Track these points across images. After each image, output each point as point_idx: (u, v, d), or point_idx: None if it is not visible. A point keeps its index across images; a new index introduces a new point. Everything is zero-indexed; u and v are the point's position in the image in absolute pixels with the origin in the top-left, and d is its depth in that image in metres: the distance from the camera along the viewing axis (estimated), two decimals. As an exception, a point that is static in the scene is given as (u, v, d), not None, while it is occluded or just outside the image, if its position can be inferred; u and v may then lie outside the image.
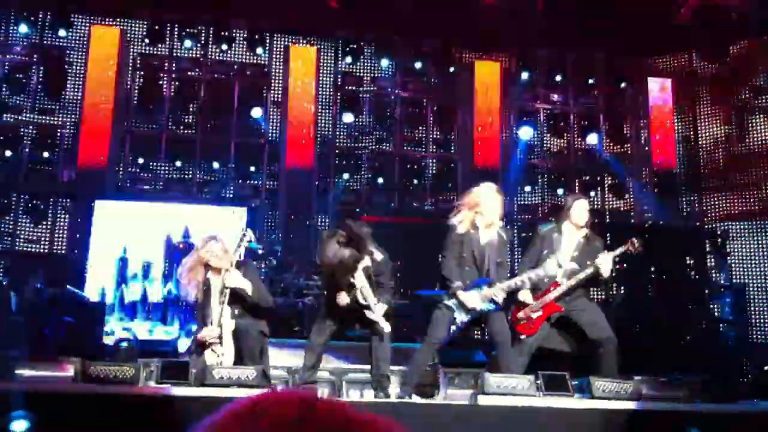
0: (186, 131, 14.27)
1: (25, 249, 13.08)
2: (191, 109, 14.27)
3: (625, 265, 11.95)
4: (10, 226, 13.15)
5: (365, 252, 6.55)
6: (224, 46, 14.23)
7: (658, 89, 14.98)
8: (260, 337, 6.78)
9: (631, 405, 6.31)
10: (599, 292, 12.04)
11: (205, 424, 0.83)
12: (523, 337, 6.98)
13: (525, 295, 6.91)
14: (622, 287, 12.63)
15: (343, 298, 6.60)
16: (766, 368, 11.51)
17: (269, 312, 6.98)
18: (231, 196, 14.06)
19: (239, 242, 6.77)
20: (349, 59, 14.70)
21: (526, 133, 14.67)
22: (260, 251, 11.37)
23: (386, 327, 6.55)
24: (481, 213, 6.74)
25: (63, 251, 13.02)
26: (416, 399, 6.81)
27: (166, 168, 14.02)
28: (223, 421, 0.83)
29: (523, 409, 6.06)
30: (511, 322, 6.97)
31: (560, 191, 14.86)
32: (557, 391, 6.41)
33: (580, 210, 7.08)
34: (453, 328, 6.71)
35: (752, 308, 13.54)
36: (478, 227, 6.77)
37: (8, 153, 13.11)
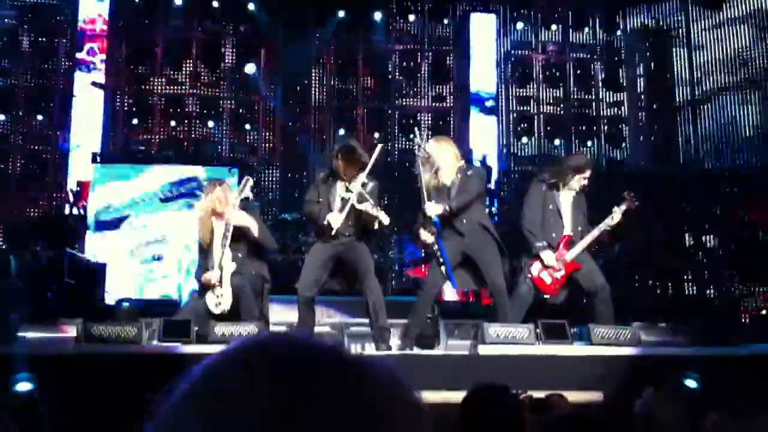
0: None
1: (24, 212, 13.08)
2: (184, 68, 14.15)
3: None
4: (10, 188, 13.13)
5: (360, 165, 6.65)
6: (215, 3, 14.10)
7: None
8: (260, 281, 6.90)
9: (629, 351, 6.36)
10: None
11: (194, 371, 0.82)
12: (546, 296, 7.07)
13: (547, 257, 6.97)
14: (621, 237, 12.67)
15: (336, 217, 6.58)
16: (763, 312, 11.60)
17: (270, 258, 7.12)
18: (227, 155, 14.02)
19: (241, 188, 6.87)
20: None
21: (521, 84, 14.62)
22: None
23: (385, 219, 6.56)
24: (438, 167, 6.83)
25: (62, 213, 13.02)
26: (417, 350, 6.86)
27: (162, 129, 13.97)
28: (213, 366, 0.82)
29: (522, 357, 6.11)
30: (533, 283, 7.03)
31: (557, 142, 14.85)
32: (556, 339, 6.47)
33: (586, 177, 7.11)
34: (443, 269, 6.72)
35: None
36: (440, 177, 6.85)
37: (2, 117, 13.05)
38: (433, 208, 6.64)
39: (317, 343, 0.84)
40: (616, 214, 7.00)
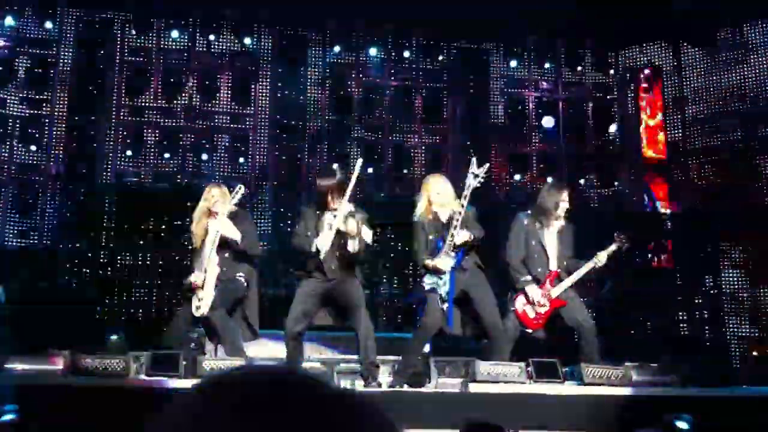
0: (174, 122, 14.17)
1: (13, 242, 13.00)
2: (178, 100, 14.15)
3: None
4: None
5: (346, 191, 6.65)
6: (211, 36, 14.15)
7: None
8: (242, 287, 6.94)
9: (621, 391, 6.33)
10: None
11: (174, 404, 0.81)
12: (529, 330, 7.04)
13: (532, 291, 6.96)
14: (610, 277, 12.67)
15: (324, 239, 6.57)
16: (755, 353, 11.59)
17: (255, 262, 7.21)
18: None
19: (233, 194, 7.01)
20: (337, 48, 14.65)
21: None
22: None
23: (369, 236, 6.60)
24: (433, 200, 6.89)
25: (51, 244, 12.94)
26: (407, 388, 6.82)
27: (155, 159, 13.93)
28: (191, 398, 0.81)
29: (514, 395, 6.08)
30: (516, 317, 7.01)
31: (549, 179, 14.89)
32: (548, 377, 6.44)
33: (559, 201, 7.11)
34: (445, 307, 6.71)
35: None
36: (437, 211, 6.90)
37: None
38: (463, 235, 6.65)
39: (297, 377, 0.83)
40: (602, 256, 6.99)
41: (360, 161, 7.23)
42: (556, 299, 6.97)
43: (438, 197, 6.92)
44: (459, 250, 6.72)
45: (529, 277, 7.00)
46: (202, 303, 6.75)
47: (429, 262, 6.74)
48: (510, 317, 7.02)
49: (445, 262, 6.67)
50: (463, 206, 6.69)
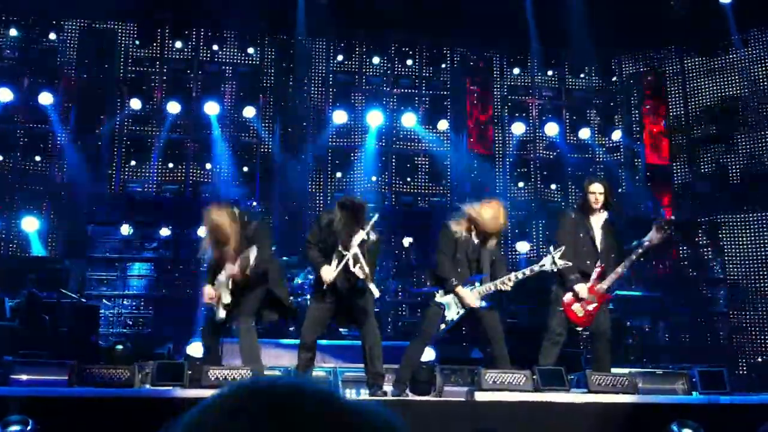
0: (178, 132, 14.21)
1: (19, 252, 13.03)
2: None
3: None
4: (3, 231, 13.09)
5: (362, 222, 6.57)
6: (214, 46, 14.22)
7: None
8: (258, 279, 6.78)
9: (627, 398, 6.31)
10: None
11: (186, 416, 0.82)
12: (579, 328, 7.10)
13: (582, 289, 6.96)
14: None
15: (329, 272, 6.56)
16: (759, 360, 11.56)
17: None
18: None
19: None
20: (340, 57, 14.71)
21: (518, 128, 14.71)
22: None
23: (376, 292, 6.57)
24: (479, 227, 6.84)
25: (58, 254, 12.98)
26: (412, 396, 6.82)
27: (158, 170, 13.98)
28: (198, 415, 0.82)
29: (519, 403, 6.06)
30: (567, 315, 7.02)
31: (553, 186, 14.88)
32: (553, 385, 6.42)
33: (593, 192, 7.16)
34: (442, 326, 6.80)
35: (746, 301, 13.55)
36: (473, 232, 6.90)
37: (0, 157, 13.09)
38: (507, 286, 6.78)
39: (309, 388, 0.83)
40: (644, 247, 7.02)
41: (376, 216, 6.83)
42: (604, 294, 7.02)
43: (491, 223, 6.82)
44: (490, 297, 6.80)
45: (578, 275, 7.01)
46: (220, 308, 6.71)
47: (459, 290, 6.75)
48: (556, 316, 7.03)
49: (473, 298, 6.71)
50: (525, 274, 6.76)
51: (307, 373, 6.77)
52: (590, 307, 7.01)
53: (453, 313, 6.75)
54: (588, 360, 7.22)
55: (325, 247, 6.69)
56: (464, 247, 6.85)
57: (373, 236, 6.65)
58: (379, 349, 6.66)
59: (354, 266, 6.44)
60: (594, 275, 7.04)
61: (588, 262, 7.10)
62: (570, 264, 6.87)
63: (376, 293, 6.58)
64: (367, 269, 6.41)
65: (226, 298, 6.67)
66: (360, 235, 6.52)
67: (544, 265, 6.75)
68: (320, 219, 7.00)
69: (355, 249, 6.48)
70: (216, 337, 7.04)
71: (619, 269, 7.02)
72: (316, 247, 6.75)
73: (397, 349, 7.82)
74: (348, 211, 6.63)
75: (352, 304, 6.72)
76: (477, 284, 6.75)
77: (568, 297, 7.03)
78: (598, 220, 7.18)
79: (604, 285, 7.02)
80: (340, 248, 6.58)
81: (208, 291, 6.80)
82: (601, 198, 7.14)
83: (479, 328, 6.98)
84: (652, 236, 6.95)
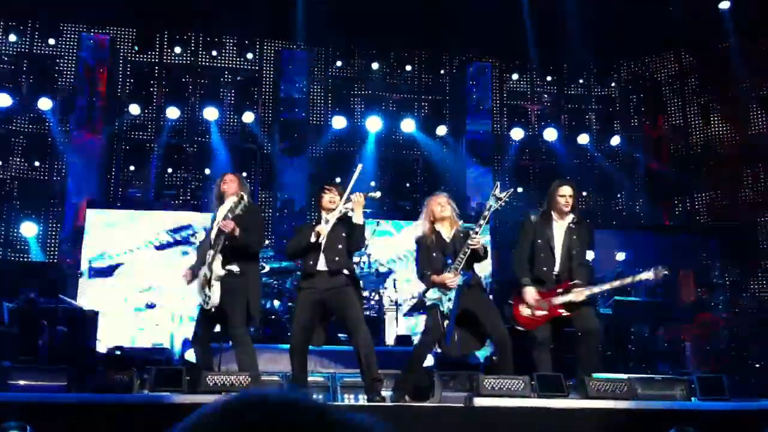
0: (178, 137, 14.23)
1: (17, 258, 13.03)
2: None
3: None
4: (2, 236, 13.09)
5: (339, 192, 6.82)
6: (213, 52, 14.24)
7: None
8: (245, 280, 6.81)
9: (626, 404, 6.30)
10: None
11: (188, 423, 0.82)
12: (519, 328, 7.02)
13: (528, 293, 6.91)
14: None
15: (322, 228, 6.68)
16: (757, 365, 11.54)
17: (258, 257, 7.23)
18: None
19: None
20: (340, 63, 14.75)
21: (517, 133, 14.72)
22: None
23: (359, 219, 6.69)
24: (435, 218, 6.98)
25: (56, 260, 12.98)
26: (411, 402, 6.80)
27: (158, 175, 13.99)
28: (191, 426, 0.82)
29: (518, 409, 6.05)
30: (513, 314, 7.01)
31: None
32: (552, 391, 6.41)
33: (562, 195, 7.09)
34: (446, 323, 6.73)
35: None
36: (439, 230, 6.99)
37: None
38: (478, 240, 6.73)
39: (302, 403, 0.83)
40: (629, 280, 7.07)
41: (360, 166, 7.18)
42: (558, 308, 6.92)
43: (440, 212, 6.96)
44: (467, 268, 6.77)
45: (528, 279, 6.98)
46: (210, 300, 6.68)
47: (435, 277, 6.77)
48: (505, 308, 7.04)
49: (452, 277, 6.71)
50: (481, 225, 6.73)
51: (302, 379, 6.75)
52: (539, 313, 6.91)
53: (446, 303, 6.73)
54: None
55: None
56: (436, 244, 6.94)
57: (359, 220, 6.73)
58: (373, 354, 6.64)
59: (341, 212, 6.69)
60: (554, 285, 6.95)
61: (545, 268, 6.98)
62: (526, 266, 6.97)
63: (359, 219, 6.70)
64: (357, 197, 6.65)
65: (218, 269, 6.67)
66: (343, 200, 6.74)
67: None
68: (298, 226, 7.33)
69: (341, 205, 6.70)
70: (207, 342, 7.01)
71: (596, 288, 6.97)
72: (300, 241, 6.85)
73: (395, 354, 7.82)
74: (326, 187, 6.96)
75: (342, 306, 6.71)
76: (450, 263, 6.78)
77: (519, 297, 7.02)
78: (562, 225, 7.08)
79: (558, 299, 6.90)
80: (323, 214, 6.80)
81: (186, 271, 6.94)
82: (571, 201, 7.05)
83: (483, 330, 6.90)
84: (648, 276, 6.93)
